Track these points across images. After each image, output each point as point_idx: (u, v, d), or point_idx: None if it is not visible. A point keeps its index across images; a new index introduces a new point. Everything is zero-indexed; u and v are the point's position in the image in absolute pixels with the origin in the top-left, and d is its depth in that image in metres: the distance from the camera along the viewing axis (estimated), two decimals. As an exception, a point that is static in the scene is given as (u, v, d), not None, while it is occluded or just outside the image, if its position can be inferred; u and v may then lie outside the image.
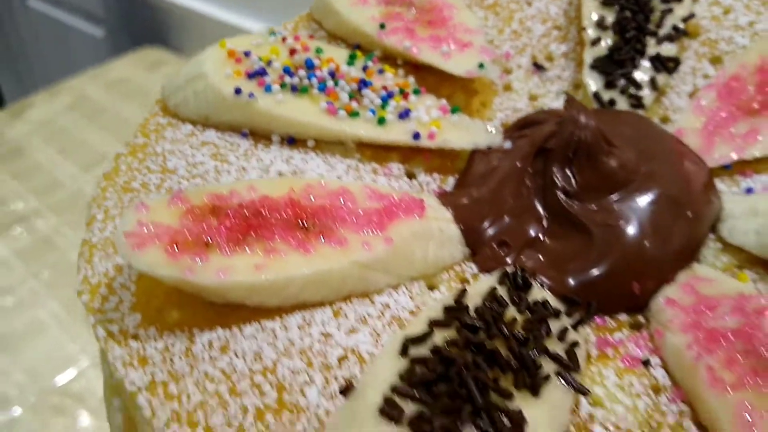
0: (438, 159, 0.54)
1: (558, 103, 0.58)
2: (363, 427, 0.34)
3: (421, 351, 0.38)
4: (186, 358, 0.42)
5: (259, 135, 0.55)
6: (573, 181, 0.47)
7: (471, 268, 0.48)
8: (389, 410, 0.34)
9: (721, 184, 0.52)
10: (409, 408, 0.35)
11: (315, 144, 0.54)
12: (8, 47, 2.27)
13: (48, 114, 1.52)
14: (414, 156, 0.54)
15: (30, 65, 2.26)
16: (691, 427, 0.39)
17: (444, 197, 0.51)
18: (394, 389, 0.35)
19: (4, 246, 1.19)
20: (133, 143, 0.56)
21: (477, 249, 0.48)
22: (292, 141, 0.54)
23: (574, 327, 0.43)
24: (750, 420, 0.36)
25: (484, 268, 0.47)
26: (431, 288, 0.47)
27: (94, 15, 1.94)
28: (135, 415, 0.42)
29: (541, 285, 0.45)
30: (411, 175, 0.54)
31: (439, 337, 0.39)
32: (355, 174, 0.53)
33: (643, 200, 0.47)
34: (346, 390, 0.38)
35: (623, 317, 0.45)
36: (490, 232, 0.48)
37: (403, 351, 0.38)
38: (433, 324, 0.39)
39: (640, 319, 0.45)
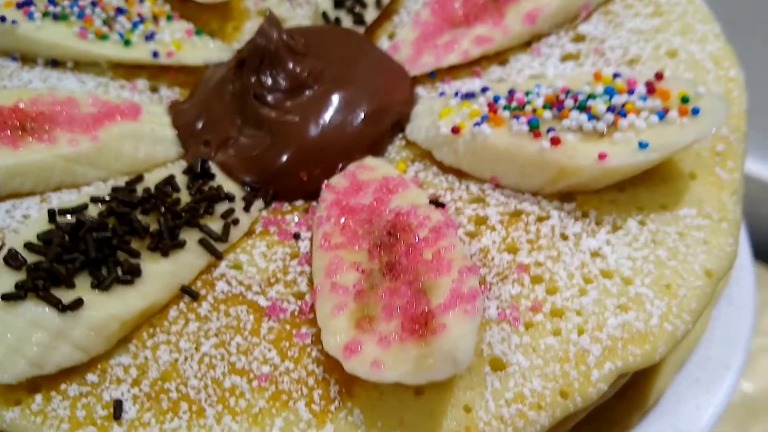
0: (182, 76, 0.61)
1: (305, 25, 0.64)
2: (-8, 274, 0.42)
3: (68, 219, 0.45)
4: None
5: (28, 59, 0.62)
6: (262, 85, 0.54)
7: (183, 165, 0.55)
8: (11, 260, 0.42)
9: (422, 91, 0.58)
10: (32, 258, 0.42)
11: (74, 65, 0.61)
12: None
13: None
14: (161, 74, 0.61)
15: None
16: (304, 282, 0.45)
17: (171, 105, 0.58)
18: (27, 244, 0.43)
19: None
20: None
21: (188, 148, 0.55)
22: (54, 63, 0.61)
23: (246, 209, 0.50)
24: (334, 268, 0.43)
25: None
26: (142, 181, 0.54)
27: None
28: None
29: (230, 175, 0.52)
30: (154, 90, 0.60)
31: (95, 210, 0.46)
32: (103, 90, 0.59)
33: (324, 101, 0.53)
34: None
35: (300, 204, 0.52)
36: (199, 132, 0.55)
37: (51, 218, 0.45)
38: (93, 199, 0.47)
39: (314, 203, 0.52)
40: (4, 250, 0.42)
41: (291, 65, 0.54)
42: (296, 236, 0.49)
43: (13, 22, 0.60)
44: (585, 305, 0.41)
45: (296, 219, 0.50)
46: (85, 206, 0.46)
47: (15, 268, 0.42)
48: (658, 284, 0.41)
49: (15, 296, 0.40)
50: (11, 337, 0.40)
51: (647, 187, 0.45)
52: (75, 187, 0.52)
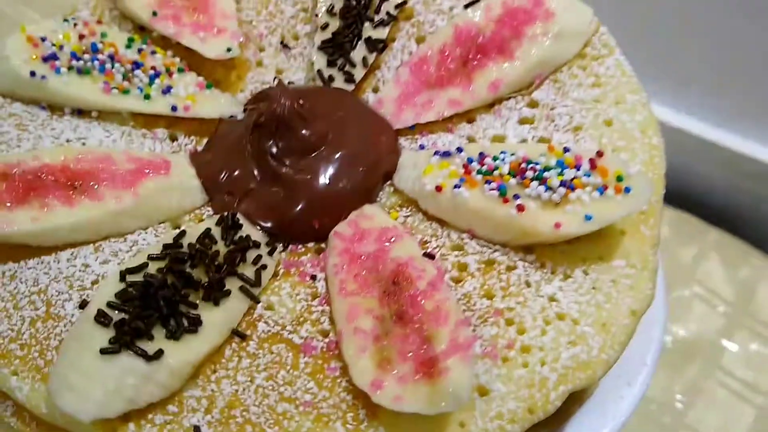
0: (196, 124, 0.70)
1: (298, 76, 0.74)
2: (83, 329, 0.53)
3: (136, 278, 0.56)
4: (-14, 284, 0.60)
5: (56, 108, 0.70)
6: (277, 147, 0.64)
7: (209, 211, 0.66)
8: (99, 318, 0.52)
9: (405, 142, 0.69)
10: (116, 316, 0.53)
11: (98, 114, 0.69)
12: None
13: None
14: (178, 123, 0.70)
15: None
16: (326, 321, 0.58)
17: (193, 156, 0.68)
18: (108, 303, 0.53)
19: None
20: (-47, 113, 0.70)
21: (213, 196, 0.66)
22: (80, 112, 0.70)
23: (270, 253, 0.61)
24: (354, 314, 0.55)
25: (217, 211, 0.65)
26: (176, 228, 0.64)
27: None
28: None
29: (253, 224, 0.63)
30: (173, 138, 0.70)
31: (154, 267, 0.57)
32: (128, 139, 0.69)
33: (329, 159, 0.64)
34: (83, 305, 0.56)
35: (312, 245, 0.64)
36: (222, 183, 0.65)
37: (122, 278, 0.55)
38: (150, 258, 0.57)
39: (323, 246, 0.63)
40: (93, 309, 0.53)
41: (301, 130, 0.64)
42: (313, 277, 0.61)
43: (43, 77, 0.68)
44: (545, 343, 0.55)
45: (310, 260, 0.62)
46: (146, 265, 0.56)
47: (104, 325, 0.52)
48: (598, 323, 0.56)
49: (111, 351, 0.51)
50: (110, 382, 0.51)
51: (589, 241, 0.59)
52: (120, 236, 0.62)
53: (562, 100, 0.67)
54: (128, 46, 0.71)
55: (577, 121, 0.66)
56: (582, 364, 0.54)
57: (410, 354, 0.52)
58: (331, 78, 0.71)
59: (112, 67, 0.69)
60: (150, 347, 0.52)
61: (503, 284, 0.58)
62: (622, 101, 0.67)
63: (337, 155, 0.65)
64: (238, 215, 0.62)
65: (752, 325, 1.08)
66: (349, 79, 0.71)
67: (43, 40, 0.70)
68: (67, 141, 0.67)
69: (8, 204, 0.59)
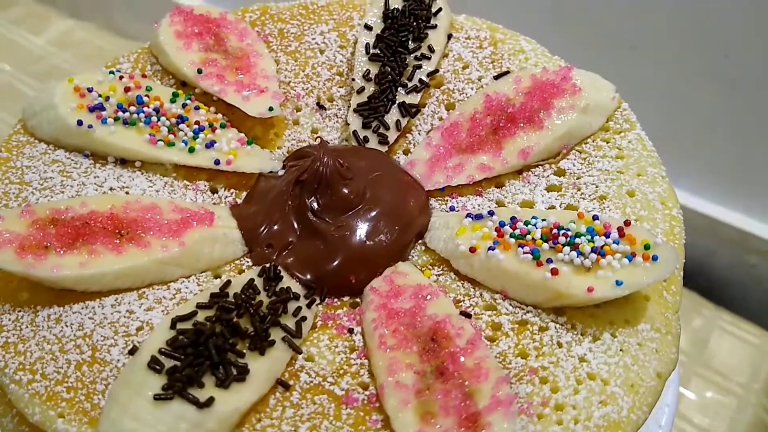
0: (236, 178, 0.73)
1: (333, 136, 0.77)
2: (136, 376, 0.54)
3: (186, 326, 0.57)
4: (31, 326, 0.61)
5: (99, 156, 0.72)
6: (318, 203, 0.67)
7: (248, 262, 0.68)
8: (152, 364, 0.54)
9: (435, 203, 0.72)
10: (168, 363, 0.54)
11: (141, 164, 0.72)
12: None
13: None
14: (218, 176, 0.73)
15: None
16: (365, 373, 0.60)
17: (234, 208, 0.70)
18: (160, 350, 0.55)
19: None
20: (-2, 157, 0.72)
21: (253, 248, 0.68)
22: (123, 161, 0.72)
23: (308, 306, 0.63)
24: (395, 368, 0.57)
25: (256, 263, 0.67)
26: (216, 277, 0.66)
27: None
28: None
29: (291, 276, 0.65)
30: (214, 191, 0.72)
31: (202, 315, 0.58)
32: (170, 189, 0.71)
33: (366, 217, 0.67)
34: (132, 351, 0.58)
35: (347, 299, 0.66)
36: (262, 236, 0.68)
37: (172, 325, 0.57)
38: (199, 306, 0.59)
39: (358, 300, 0.66)
40: (146, 356, 0.54)
41: (342, 189, 0.67)
42: (350, 331, 0.63)
43: (90, 126, 0.70)
44: (578, 401, 0.57)
45: (346, 314, 0.64)
46: (195, 313, 0.58)
47: (157, 372, 0.54)
48: (626, 384, 0.58)
49: (164, 397, 0.52)
50: (163, 428, 0.52)
51: (616, 305, 0.62)
52: (164, 284, 0.64)
53: (588, 170, 0.71)
54: (172, 101, 0.74)
55: (603, 191, 0.69)
56: (613, 423, 0.56)
57: (452, 408, 0.54)
58: (366, 139, 0.75)
59: (158, 120, 0.72)
60: (201, 395, 0.53)
61: (536, 344, 0.60)
62: (643, 173, 0.71)
63: (373, 213, 0.68)
64: (279, 267, 0.65)
65: (707, 374, 1.15)
66: (383, 140, 0.75)
67: (90, 90, 0.73)
68: (111, 189, 0.70)
69: (58, 249, 0.61)
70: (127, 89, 0.73)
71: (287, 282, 0.64)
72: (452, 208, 0.72)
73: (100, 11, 1.79)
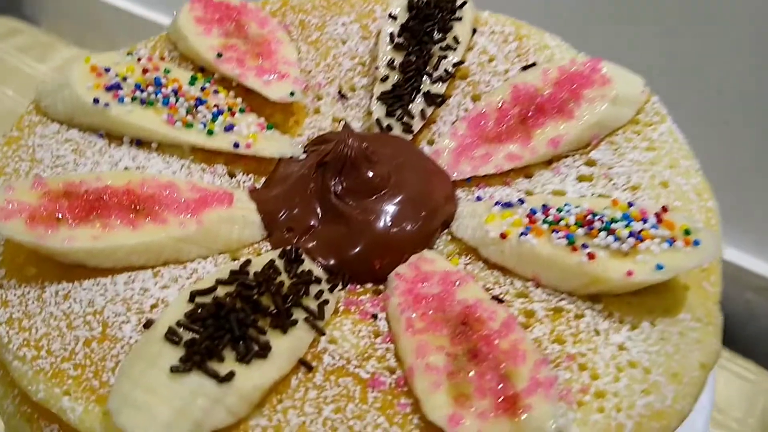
0: (254, 163, 0.70)
1: (354, 125, 0.75)
2: (151, 348, 0.50)
3: (205, 300, 0.54)
4: (37, 302, 0.57)
5: (114, 136, 0.69)
6: (341, 186, 0.64)
7: (267, 246, 0.65)
8: (170, 336, 0.50)
9: (461, 193, 0.70)
10: (187, 335, 0.51)
11: (158, 146, 0.69)
12: None
13: None
14: (236, 160, 0.70)
15: None
16: (392, 357, 0.56)
17: (253, 192, 0.68)
18: (178, 323, 0.52)
19: None
20: (9, 135, 0.70)
21: (272, 232, 0.65)
22: (139, 143, 0.69)
23: (330, 290, 0.60)
24: (424, 350, 0.54)
25: (275, 247, 0.64)
26: (234, 259, 0.63)
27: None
28: (-4, 344, 0.57)
29: (313, 260, 0.62)
30: (232, 175, 0.70)
31: (222, 291, 0.55)
32: (186, 172, 0.68)
33: (391, 202, 0.65)
34: (147, 325, 0.54)
35: (370, 285, 0.63)
36: (282, 220, 0.65)
37: (191, 299, 0.54)
38: (218, 282, 0.56)
39: (381, 287, 0.63)
40: (162, 328, 0.51)
41: (366, 172, 0.65)
42: (374, 316, 0.60)
43: (106, 104, 0.68)
44: (619, 389, 0.54)
45: (369, 300, 0.61)
46: (215, 288, 0.55)
47: (174, 343, 0.50)
48: (669, 373, 0.55)
49: (182, 369, 0.49)
50: (178, 402, 0.48)
51: (655, 293, 0.59)
52: (180, 263, 0.61)
53: (619, 161, 0.69)
54: (191, 83, 0.72)
55: (635, 181, 0.67)
56: (656, 413, 0.53)
57: (489, 390, 0.51)
58: (389, 127, 0.73)
59: (176, 101, 0.70)
60: (221, 368, 0.50)
61: (573, 331, 0.57)
62: (675, 165, 0.69)
63: (398, 198, 0.65)
64: (300, 249, 0.62)
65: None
66: (407, 129, 0.73)
67: (107, 70, 0.70)
68: (125, 168, 0.67)
69: (70, 221, 0.58)
70: (145, 70, 0.71)
71: (308, 265, 0.61)
72: (479, 198, 0.69)
73: (104, 40, 1.79)
